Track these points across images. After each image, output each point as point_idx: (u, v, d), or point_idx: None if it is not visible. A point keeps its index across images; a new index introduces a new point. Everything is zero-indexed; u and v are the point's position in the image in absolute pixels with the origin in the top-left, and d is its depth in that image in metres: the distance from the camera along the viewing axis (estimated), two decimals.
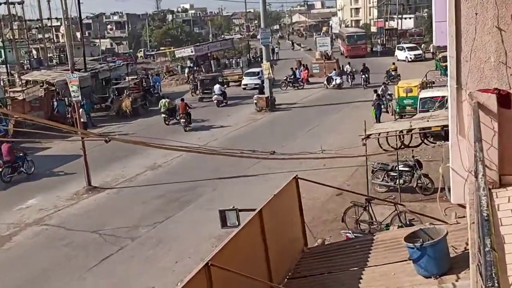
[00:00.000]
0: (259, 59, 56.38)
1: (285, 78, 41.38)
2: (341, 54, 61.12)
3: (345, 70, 41.63)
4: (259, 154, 9.41)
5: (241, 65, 50.50)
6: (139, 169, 22.30)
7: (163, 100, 31.28)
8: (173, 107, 30.50)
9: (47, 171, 22.78)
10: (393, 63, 44.41)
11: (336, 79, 39.87)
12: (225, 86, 38.62)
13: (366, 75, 38.59)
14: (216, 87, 36.11)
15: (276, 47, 70.83)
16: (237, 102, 38.17)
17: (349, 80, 39.56)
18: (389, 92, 29.62)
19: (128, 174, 21.71)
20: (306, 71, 44.41)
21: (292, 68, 44.44)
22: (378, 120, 25.64)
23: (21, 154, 22.02)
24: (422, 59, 53.30)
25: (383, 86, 29.82)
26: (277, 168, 19.97)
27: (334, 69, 40.83)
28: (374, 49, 64.25)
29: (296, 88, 40.38)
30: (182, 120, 28.95)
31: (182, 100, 30.36)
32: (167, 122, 30.32)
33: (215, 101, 35.46)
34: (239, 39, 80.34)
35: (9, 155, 21.65)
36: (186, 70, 49.60)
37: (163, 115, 30.61)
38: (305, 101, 35.64)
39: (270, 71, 33.14)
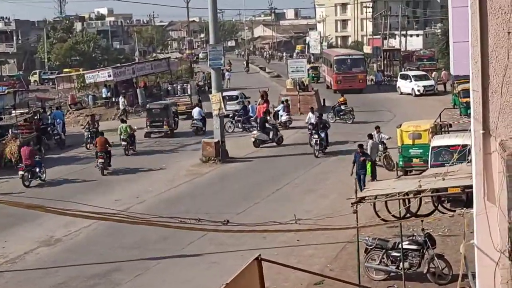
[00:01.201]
0: (207, 87, 56.90)
1: (231, 115, 42.14)
2: (327, 87, 61.82)
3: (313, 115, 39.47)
4: (205, 224, 9.42)
5: (189, 92, 51.28)
6: (28, 244, 21.92)
7: (124, 125, 36.35)
8: (133, 135, 36.46)
9: None
10: (342, 94, 46.20)
11: (281, 116, 42.33)
12: (205, 110, 42.21)
13: (321, 136, 33.70)
14: (196, 110, 42.24)
15: (228, 70, 71.78)
16: (178, 146, 38.29)
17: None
18: (385, 137, 30.17)
19: (11, 252, 21.27)
20: (265, 104, 45.19)
21: (244, 101, 45.31)
22: (373, 177, 26.00)
23: (39, 158, 30.46)
24: (434, 93, 54.77)
25: (375, 133, 30.15)
26: (232, 244, 19.96)
27: (312, 108, 39.86)
28: (372, 79, 65.02)
29: (247, 130, 40.98)
30: (99, 161, 31.45)
31: (102, 134, 33.31)
32: (127, 152, 35.70)
33: (193, 127, 41.37)
34: (178, 59, 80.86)
35: (30, 158, 29.76)
36: (121, 100, 50.23)
37: (123, 143, 35.66)
38: (270, 149, 36.03)
39: (222, 106, 33.48)
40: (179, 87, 52.50)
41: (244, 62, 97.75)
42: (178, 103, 47.11)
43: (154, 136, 41.03)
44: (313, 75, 68.65)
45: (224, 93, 52.08)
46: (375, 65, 70.16)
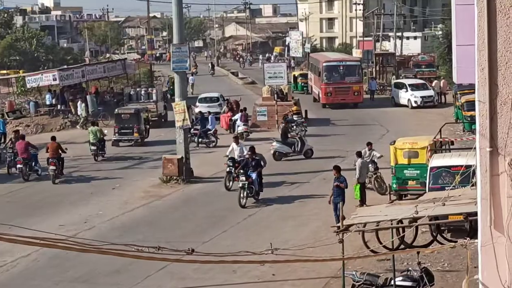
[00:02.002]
0: (169, 94, 56.90)
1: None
2: (314, 100, 60.47)
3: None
4: (166, 254, 9.37)
5: (154, 97, 51.48)
6: None
7: (94, 128, 38.39)
8: (104, 139, 38.54)
9: None
10: (294, 103, 46.92)
11: (239, 126, 43.23)
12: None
13: (251, 177, 29.18)
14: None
15: (192, 74, 71.90)
16: (135, 162, 38.30)
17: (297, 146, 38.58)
18: (377, 155, 30.27)
19: None
20: (229, 113, 45.15)
21: (201, 111, 45.84)
22: (362, 202, 26.16)
23: (36, 152, 34.19)
24: (434, 105, 55.01)
25: (366, 150, 30.23)
26: (197, 278, 19.83)
27: (236, 137, 36.04)
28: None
29: (207, 146, 41.80)
30: (51, 168, 33.31)
31: (53, 139, 35.05)
32: (96, 158, 37.94)
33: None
34: (136, 61, 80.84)
35: (26, 152, 33.56)
36: (80, 106, 50.37)
37: (92, 147, 37.83)
38: None
39: (186, 116, 33.41)
40: (143, 92, 52.95)
41: (210, 64, 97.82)
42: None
43: (123, 145, 42.11)
44: (302, 84, 68.54)
45: (204, 95, 56.72)
46: (367, 71, 70.27)
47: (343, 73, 57.51)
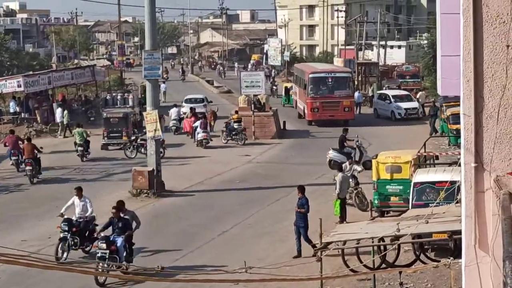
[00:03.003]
0: (141, 102, 56.87)
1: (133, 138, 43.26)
2: (299, 117, 58.25)
3: None
4: (135, 271, 9.28)
5: (130, 103, 51.95)
6: None
7: (79, 129, 41.69)
8: (88, 140, 41.92)
9: None
10: (236, 111, 47.77)
11: (198, 133, 44.80)
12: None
13: (115, 244, 22.00)
14: (173, 110, 51.02)
15: (163, 81, 71.76)
16: (103, 174, 38.29)
17: None
18: (357, 169, 30.38)
19: None
20: (192, 118, 45.50)
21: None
22: (342, 219, 26.25)
23: (39, 156, 36.25)
24: (418, 117, 55.28)
25: (346, 164, 30.28)
26: None
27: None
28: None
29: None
30: (27, 168, 35.58)
31: (29, 140, 37.77)
32: (83, 159, 41.32)
33: (173, 128, 49.36)
34: (106, 68, 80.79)
35: (32, 153, 35.91)
36: (60, 113, 50.62)
37: (78, 148, 41.31)
38: (217, 181, 36.19)
39: (158, 127, 33.30)
40: (119, 97, 53.73)
41: (180, 70, 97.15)
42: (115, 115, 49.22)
43: (112, 148, 44.54)
44: (293, 97, 65.13)
45: (189, 96, 61.35)
46: (350, 82, 70.16)
47: (332, 86, 54.65)
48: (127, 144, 42.91)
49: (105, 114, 47.04)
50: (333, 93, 53.83)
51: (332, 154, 36.98)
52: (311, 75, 55.29)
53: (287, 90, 68.42)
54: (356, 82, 70.68)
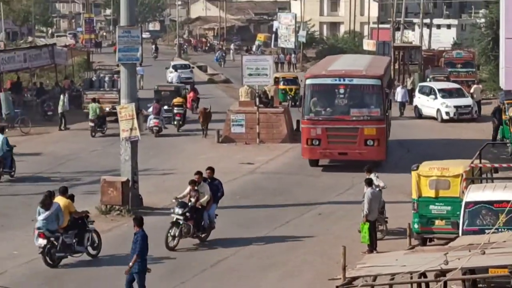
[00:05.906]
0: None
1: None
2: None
3: None
4: None
5: (118, 85, 51.79)
6: None
7: (94, 105, 49.25)
8: (103, 116, 49.71)
9: None
10: (179, 94, 53.89)
11: (150, 119, 49.41)
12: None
13: None
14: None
15: (140, 64, 71.46)
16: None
17: None
18: (380, 184, 29.02)
19: None
20: (192, 94, 51.32)
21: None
22: (372, 247, 26.59)
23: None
24: (472, 117, 54.83)
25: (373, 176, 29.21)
26: None
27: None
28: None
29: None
30: None
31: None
32: (93, 134, 48.97)
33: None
34: (68, 48, 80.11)
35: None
36: (63, 101, 52.48)
37: (90, 124, 49.27)
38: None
39: (135, 125, 32.97)
40: (107, 79, 56.90)
41: (153, 46, 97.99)
42: (100, 99, 52.69)
43: (99, 136, 50.49)
44: None
45: (175, 62, 74.55)
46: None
47: (346, 100, 40.51)
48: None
49: (156, 87, 57.20)
50: (347, 113, 40.35)
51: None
52: (309, 81, 41.59)
53: None
54: (392, 73, 63.09)
